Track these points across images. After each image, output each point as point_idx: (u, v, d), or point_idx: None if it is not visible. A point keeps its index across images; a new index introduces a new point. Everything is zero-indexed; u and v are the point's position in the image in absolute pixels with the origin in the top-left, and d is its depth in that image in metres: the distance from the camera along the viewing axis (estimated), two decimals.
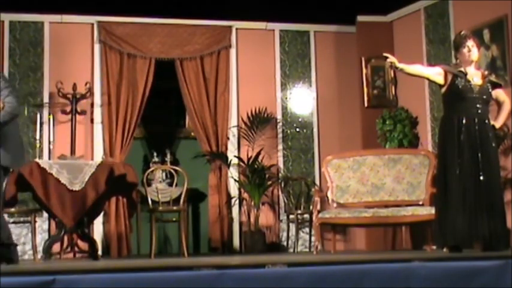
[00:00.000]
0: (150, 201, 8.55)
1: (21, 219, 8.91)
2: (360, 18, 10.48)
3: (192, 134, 10.74)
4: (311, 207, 9.22)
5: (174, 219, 8.77)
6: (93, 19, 10.25)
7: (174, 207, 8.60)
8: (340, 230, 10.01)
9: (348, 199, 8.67)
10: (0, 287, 3.71)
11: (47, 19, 10.18)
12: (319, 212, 8.39)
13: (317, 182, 10.36)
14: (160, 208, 8.52)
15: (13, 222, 9.08)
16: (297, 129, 10.61)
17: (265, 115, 10.34)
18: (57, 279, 3.77)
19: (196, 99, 10.34)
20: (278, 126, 10.50)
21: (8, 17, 10.06)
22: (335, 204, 8.65)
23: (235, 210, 10.25)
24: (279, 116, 10.56)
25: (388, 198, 8.60)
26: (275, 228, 10.32)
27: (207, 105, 10.32)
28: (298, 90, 10.70)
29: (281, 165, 10.46)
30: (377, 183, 8.65)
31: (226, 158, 10.20)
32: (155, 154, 10.87)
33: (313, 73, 10.76)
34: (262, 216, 10.03)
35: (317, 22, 10.58)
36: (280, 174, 10.40)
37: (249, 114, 10.29)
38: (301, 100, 10.69)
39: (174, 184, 9.08)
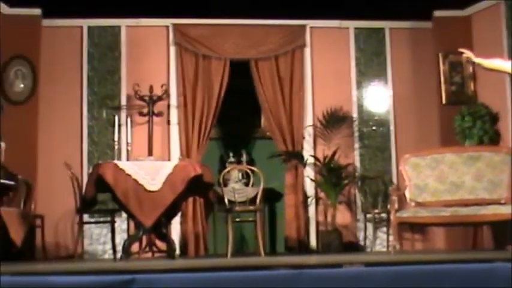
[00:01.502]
0: (226, 201, 8.58)
1: (101, 219, 9.06)
2: (437, 13, 10.30)
3: (268, 133, 10.73)
4: (388, 206, 9.10)
5: (250, 218, 8.78)
6: (169, 22, 10.36)
7: (251, 207, 8.61)
8: (418, 229, 9.87)
9: (426, 198, 8.53)
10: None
11: (123, 23, 10.35)
12: (396, 211, 8.28)
13: (394, 180, 10.23)
14: (237, 208, 8.54)
15: (93, 222, 9.25)
16: (373, 128, 10.51)
17: (341, 114, 10.27)
18: (136, 278, 3.81)
19: (272, 99, 10.34)
20: (354, 125, 10.42)
21: (86, 23, 10.28)
22: (413, 203, 8.53)
23: (311, 209, 10.21)
24: (355, 115, 10.47)
25: (468, 197, 8.43)
26: (352, 227, 10.24)
27: (282, 104, 10.31)
28: (374, 88, 10.59)
29: (357, 163, 10.38)
30: (456, 181, 8.49)
31: (302, 157, 10.17)
32: (231, 154, 10.91)
33: (388, 70, 10.63)
34: (338, 215, 9.96)
35: (392, 19, 10.45)
36: (356, 173, 10.30)
37: (325, 113, 10.24)
38: (377, 98, 10.58)
39: (251, 184, 9.10)
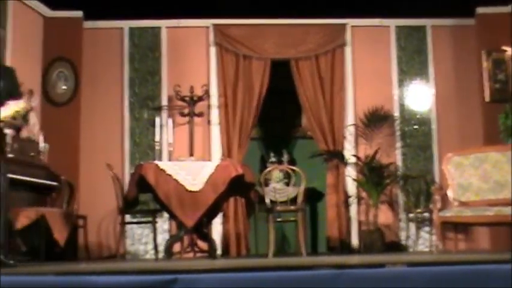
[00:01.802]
0: (267, 201, 8.56)
1: (143, 219, 9.11)
2: (480, 9, 10.16)
3: (309, 133, 10.71)
4: (431, 205, 9.00)
5: (291, 218, 8.76)
6: (209, 22, 10.39)
7: (292, 207, 8.58)
8: (462, 228, 9.74)
9: (469, 197, 8.41)
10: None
11: (164, 24, 10.41)
12: (439, 210, 8.18)
13: (437, 179, 10.12)
14: (278, 208, 8.52)
15: (135, 223, 9.32)
16: (415, 127, 10.41)
17: (382, 113, 10.20)
18: (178, 278, 3.81)
19: (312, 99, 10.31)
20: (395, 124, 10.33)
21: (127, 24, 10.37)
22: (456, 203, 8.42)
23: (353, 209, 10.15)
24: (396, 114, 10.39)
25: None
26: (394, 227, 10.16)
27: (323, 104, 10.28)
28: (416, 86, 10.50)
29: (399, 163, 10.29)
30: (500, 180, 8.35)
31: (343, 156, 10.12)
32: (272, 154, 10.91)
33: (430, 69, 10.53)
34: (380, 215, 9.89)
35: (433, 16, 10.33)
36: (398, 172, 10.22)
37: (366, 112, 10.18)
38: (419, 97, 10.48)
39: (292, 184, 9.08)
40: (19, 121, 6.12)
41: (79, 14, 10.09)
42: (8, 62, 9.01)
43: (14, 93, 6.13)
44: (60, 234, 8.06)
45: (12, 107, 5.97)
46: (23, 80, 8.92)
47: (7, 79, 6.14)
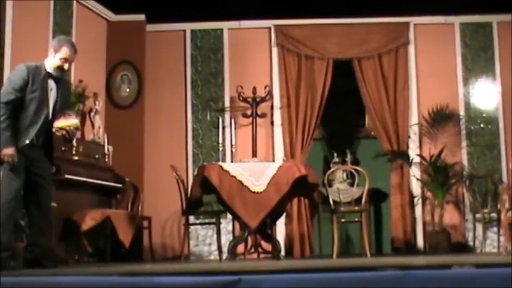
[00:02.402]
0: (331, 202, 8.51)
1: (207, 220, 9.16)
2: None
3: (372, 133, 10.62)
4: (498, 205, 8.83)
5: (355, 219, 8.69)
6: (270, 23, 10.39)
7: (356, 208, 8.51)
8: None
9: None
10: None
11: (226, 26, 10.45)
12: (507, 210, 8.02)
13: (504, 179, 9.92)
14: (342, 208, 8.46)
15: (199, 224, 9.37)
16: (481, 125, 10.22)
17: (447, 112, 10.05)
18: (242, 278, 3.81)
19: (376, 98, 10.22)
20: (461, 123, 10.16)
21: (189, 26, 10.44)
22: None
23: (418, 209, 10.02)
24: (462, 112, 10.21)
25: None
26: (460, 227, 9.99)
27: (386, 103, 10.17)
28: (482, 84, 10.30)
29: (465, 162, 10.11)
30: None
31: (408, 156, 10.00)
32: (335, 154, 10.86)
33: (497, 66, 10.31)
34: (446, 215, 9.74)
35: (499, 12, 10.11)
36: (464, 172, 10.05)
37: (430, 111, 10.04)
38: (485, 95, 10.29)
39: (355, 184, 9.01)
40: (69, 133, 6.28)
41: (142, 17, 10.20)
42: (73, 66, 9.14)
43: (66, 107, 6.30)
44: (125, 236, 8.17)
45: (64, 122, 6.16)
46: (88, 83, 9.12)
47: (65, 93, 6.29)
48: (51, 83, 6.06)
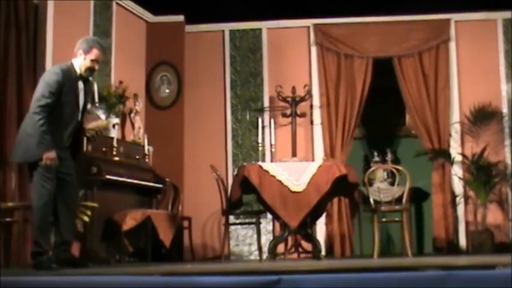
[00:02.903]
0: (372, 201, 8.45)
1: (247, 220, 9.16)
2: None
3: (413, 131, 10.54)
4: None
5: (396, 219, 8.62)
6: (309, 22, 10.36)
7: (397, 207, 8.44)
8: None
9: None
10: None
11: (264, 25, 10.45)
12: None
13: None
14: (383, 208, 8.39)
15: (239, 224, 9.38)
16: None
17: (490, 109, 9.92)
18: (282, 278, 3.80)
19: (416, 97, 10.13)
20: (504, 121, 10.02)
21: (227, 27, 10.46)
22: None
23: (460, 208, 9.91)
24: (505, 110, 10.07)
25: None
26: (504, 227, 9.85)
27: (427, 102, 10.08)
28: None
29: (509, 161, 9.97)
30: None
31: (449, 155, 9.89)
32: (375, 153, 10.81)
33: None
34: (489, 214, 9.62)
35: None
36: (508, 171, 9.90)
37: (472, 109, 9.92)
38: None
39: (396, 183, 8.94)
40: (98, 133, 6.47)
41: (181, 18, 10.24)
42: (113, 67, 9.25)
43: (89, 106, 6.39)
44: (165, 236, 8.21)
45: (95, 123, 6.37)
46: (128, 84, 9.18)
47: (91, 92, 6.37)
48: (81, 85, 6.11)
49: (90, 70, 6.11)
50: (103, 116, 8.53)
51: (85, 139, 6.78)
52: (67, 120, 5.99)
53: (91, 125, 6.29)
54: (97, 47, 6.10)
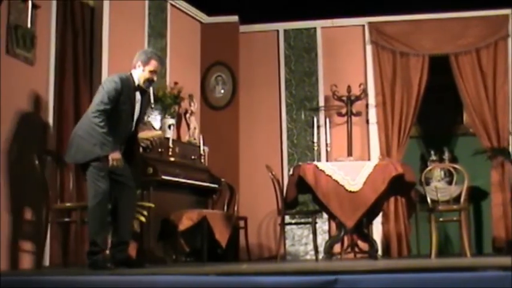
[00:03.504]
0: (429, 201, 8.36)
1: (302, 220, 9.13)
2: None
3: (471, 130, 10.39)
4: None
5: (454, 218, 8.50)
6: (364, 20, 10.29)
7: (455, 206, 8.33)
8: None
9: None
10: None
11: (319, 24, 10.42)
12: None
13: None
14: (440, 207, 8.30)
15: (294, 224, 9.36)
16: None
17: None
18: (339, 278, 3.78)
19: (474, 94, 9.98)
20: None
21: (282, 26, 10.46)
22: None
23: None
24: None
25: None
26: None
27: (485, 99, 9.91)
28: None
29: None
30: None
31: (509, 153, 9.72)
32: (432, 152, 10.71)
33: None
34: None
35: None
36: None
37: None
38: None
39: (454, 182, 8.83)
40: (153, 143, 6.58)
41: (235, 18, 10.27)
42: (168, 68, 9.32)
43: (144, 117, 6.48)
44: (221, 236, 8.24)
45: (150, 133, 6.49)
46: (183, 85, 9.25)
47: (147, 104, 6.45)
48: (138, 96, 6.19)
49: (149, 81, 6.20)
50: (158, 117, 8.61)
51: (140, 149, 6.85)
52: (121, 128, 6.07)
53: (145, 135, 6.39)
54: (155, 59, 6.18)
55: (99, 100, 5.95)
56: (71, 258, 7.09)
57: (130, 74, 6.17)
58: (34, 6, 7.00)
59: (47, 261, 7.00)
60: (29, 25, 6.92)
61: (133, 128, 6.26)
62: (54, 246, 7.15)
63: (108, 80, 6.21)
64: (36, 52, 7.08)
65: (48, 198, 6.68)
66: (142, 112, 6.36)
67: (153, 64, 6.15)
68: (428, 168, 9.49)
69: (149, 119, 6.70)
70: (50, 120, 7.28)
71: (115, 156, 5.90)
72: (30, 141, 6.94)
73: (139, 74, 6.15)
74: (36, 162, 6.64)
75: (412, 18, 10.18)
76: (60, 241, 7.22)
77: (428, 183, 9.70)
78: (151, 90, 7.18)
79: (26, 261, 6.79)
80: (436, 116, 10.88)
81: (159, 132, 6.51)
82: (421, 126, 10.90)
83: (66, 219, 7.06)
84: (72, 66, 7.75)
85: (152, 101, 8.08)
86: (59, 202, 7.01)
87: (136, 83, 6.15)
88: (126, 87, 6.06)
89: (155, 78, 6.27)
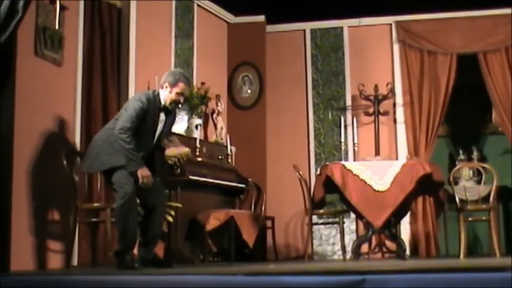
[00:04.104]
0: (457, 200, 8.29)
1: (330, 220, 9.11)
2: None
3: (500, 129, 10.30)
4: None
5: (483, 218, 8.43)
6: (391, 19, 10.24)
7: (483, 206, 8.26)
8: None
9: None
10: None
11: (345, 24, 10.39)
12: None
13: None
14: (469, 207, 8.23)
15: (322, 223, 9.33)
16: None
17: None
18: (366, 278, 3.77)
19: (503, 93, 9.88)
20: None
21: (308, 26, 10.45)
22: None
23: None
24: None
25: None
26: None
27: None
28: None
29: None
30: None
31: None
32: (461, 151, 10.64)
33: None
34: None
35: None
36: None
37: None
38: None
39: (482, 182, 8.75)
40: (180, 161, 6.52)
41: (261, 18, 10.26)
42: (195, 69, 9.34)
43: (168, 134, 6.47)
44: (249, 236, 8.24)
45: (177, 151, 6.38)
46: (210, 85, 9.26)
47: (171, 123, 6.44)
48: (162, 116, 6.18)
49: (175, 103, 6.18)
50: (185, 117, 8.63)
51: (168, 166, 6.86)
52: (141, 145, 6.04)
53: (172, 152, 6.36)
54: (183, 80, 6.15)
55: (126, 117, 5.94)
56: (99, 258, 7.14)
57: (158, 93, 6.17)
58: (62, 8, 7.05)
59: (75, 261, 7.04)
60: (56, 26, 6.97)
61: (153, 145, 6.23)
62: (82, 246, 7.21)
63: (135, 98, 6.16)
64: (64, 53, 7.13)
65: (77, 199, 6.73)
66: (165, 131, 6.32)
67: (180, 86, 6.11)
68: (457, 167, 9.41)
69: (176, 119, 6.67)
70: (78, 120, 7.33)
71: (144, 174, 5.91)
72: (59, 142, 6.99)
73: (166, 95, 6.12)
74: (65, 162, 6.70)
75: (439, 17, 10.10)
76: (89, 241, 7.27)
77: (456, 183, 9.63)
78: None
79: (55, 261, 6.83)
80: (464, 115, 10.80)
81: (187, 149, 6.46)
82: (449, 125, 10.83)
83: (94, 219, 7.11)
84: (99, 67, 7.80)
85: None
86: (87, 202, 7.06)
87: (163, 103, 6.13)
88: (152, 106, 6.05)
89: (182, 100, 6.23)
